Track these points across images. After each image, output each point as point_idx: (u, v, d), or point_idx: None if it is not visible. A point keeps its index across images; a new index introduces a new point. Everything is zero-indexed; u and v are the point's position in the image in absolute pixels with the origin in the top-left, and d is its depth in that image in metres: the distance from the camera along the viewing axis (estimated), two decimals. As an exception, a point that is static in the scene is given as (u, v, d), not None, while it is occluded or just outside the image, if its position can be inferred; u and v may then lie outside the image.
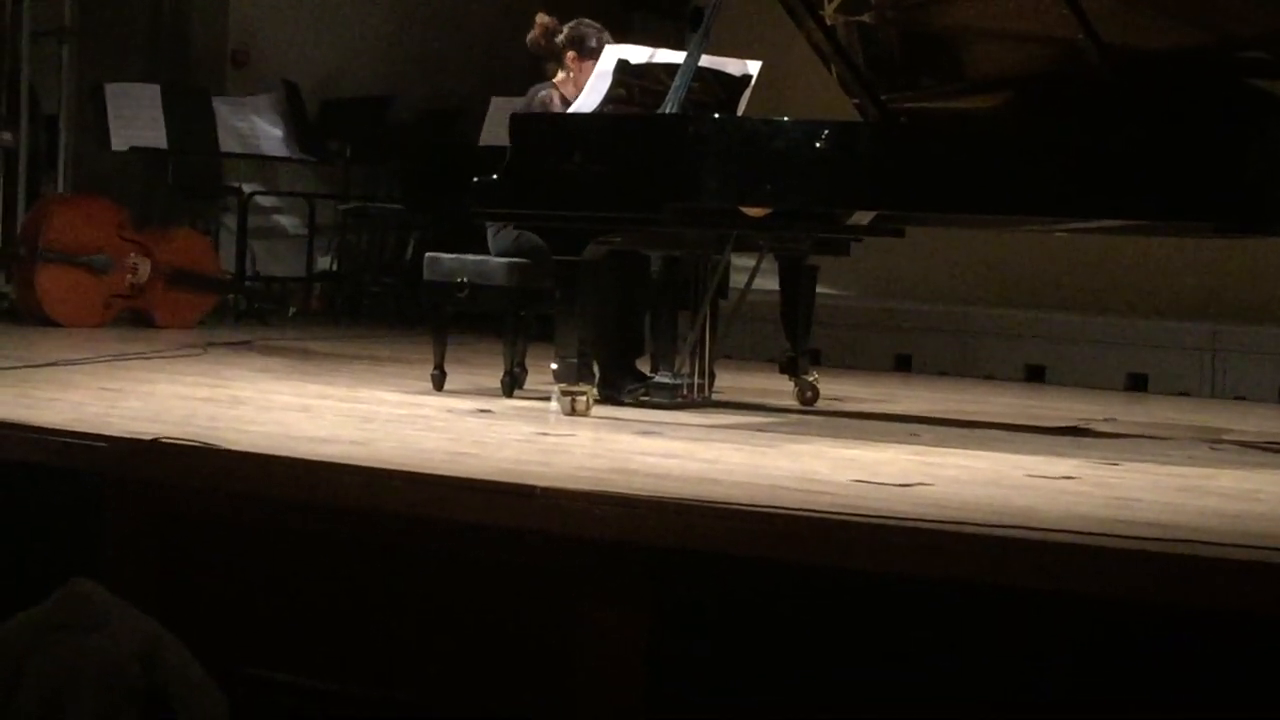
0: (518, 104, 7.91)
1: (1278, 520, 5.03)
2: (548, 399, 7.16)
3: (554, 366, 7.10)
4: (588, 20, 7.78)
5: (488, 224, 7.70)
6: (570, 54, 7.68)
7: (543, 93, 7.74)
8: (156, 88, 11.68)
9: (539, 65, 7.88)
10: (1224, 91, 6.62)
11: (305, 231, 12.63)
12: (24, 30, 11.36)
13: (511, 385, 7.57)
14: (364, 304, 12.51)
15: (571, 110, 7.34)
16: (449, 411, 7.02)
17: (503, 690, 4.99)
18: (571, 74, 7.68)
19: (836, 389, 8.17)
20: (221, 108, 11.98)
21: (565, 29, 7.71)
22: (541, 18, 7.79)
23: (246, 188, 12.37)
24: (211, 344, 9.56)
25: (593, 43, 7.62)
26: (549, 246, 7.09)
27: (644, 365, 7.61)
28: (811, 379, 7.80)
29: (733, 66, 7.44)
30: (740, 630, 4.71)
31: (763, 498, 4.88)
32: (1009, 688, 4.42)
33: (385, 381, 8.10)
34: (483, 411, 7.06)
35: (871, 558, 4.51)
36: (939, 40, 7.32)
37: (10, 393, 6.82)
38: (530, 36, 7.79)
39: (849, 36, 7.28)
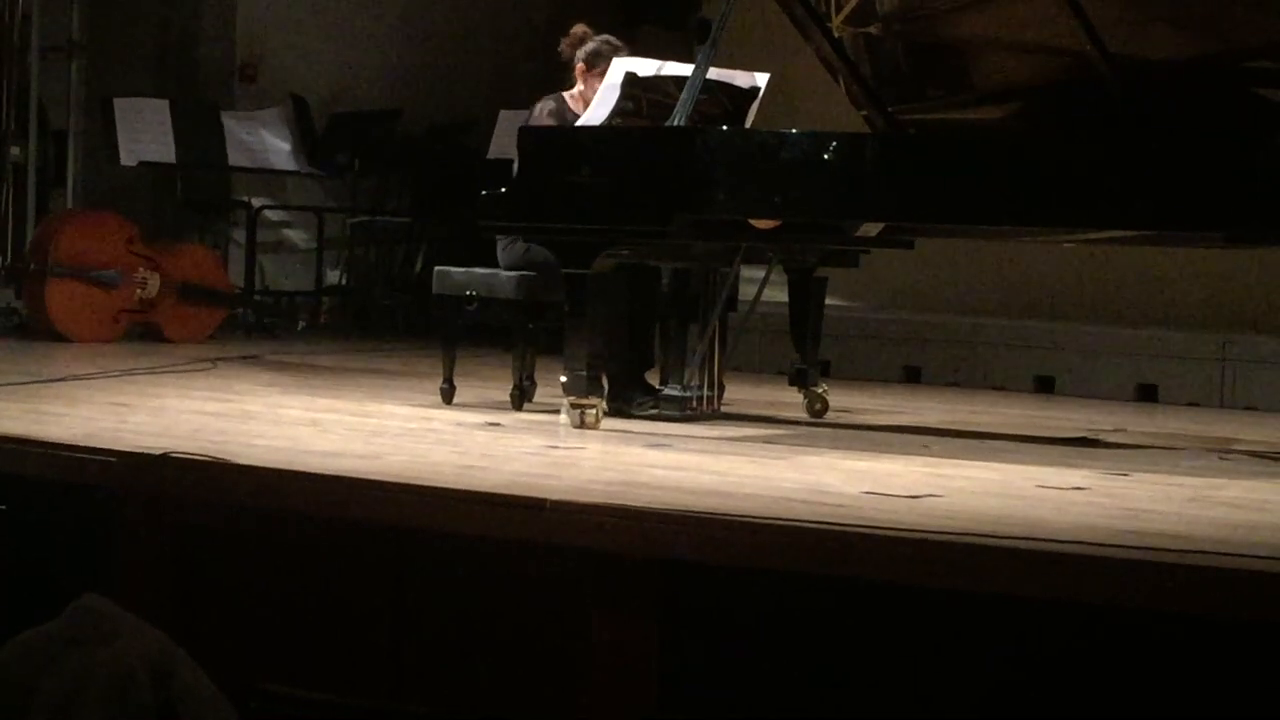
0: (525, 116, 7.92)
1: (1288, 530, 5.02)
2: (557, 412, 7.16)
3: (563, 379, 7.10)
4: (612, 38, 7.78)
5: (497, 238, 7.71)
6: (580, 66, 7.69)
7: (538, 106, 7.73)
8: (165, 103, 11.71)
9: (549, 78, 7.88)
10: (1232, 101, 6.62)
11: (314, 245, 12.65)
12: (33, 45, 11.39)
13: (521, 398, 7.58)
14: (373, 317, 12.52)
15: (580, 123, 7.34)
16: (458, 425, 7.03)
17: (513, 703, 4.98)
18: (581, 87, 7.70)
19: (846, 400, 8.17)
20: (230, 122, 12.00)
21: (590, 41, 7.72)
22: (577, 28, 7.81)
23: (255, 202, 12.39)
24: (221, 358, 9.57)
25: (602, 60, 7.63)
26: (558, 259, 7.10)
27: (653, 378, 7.61)
28: (821, 390, 7.81)
29: (740, 79, 7.44)
30: (750, 643, 4.71)
31: (772, 510, 4.87)
32: (1020, 699, 4.41)
33: (394, 395, 8.10)
34: (492, 425, 7.07)
35: (881, 569, 4.50)
36: (946, 52, 7.33)
37: (20, 408, 6.82)
38: (562, 45, 7.80)
39: (856, 48, 7.29)
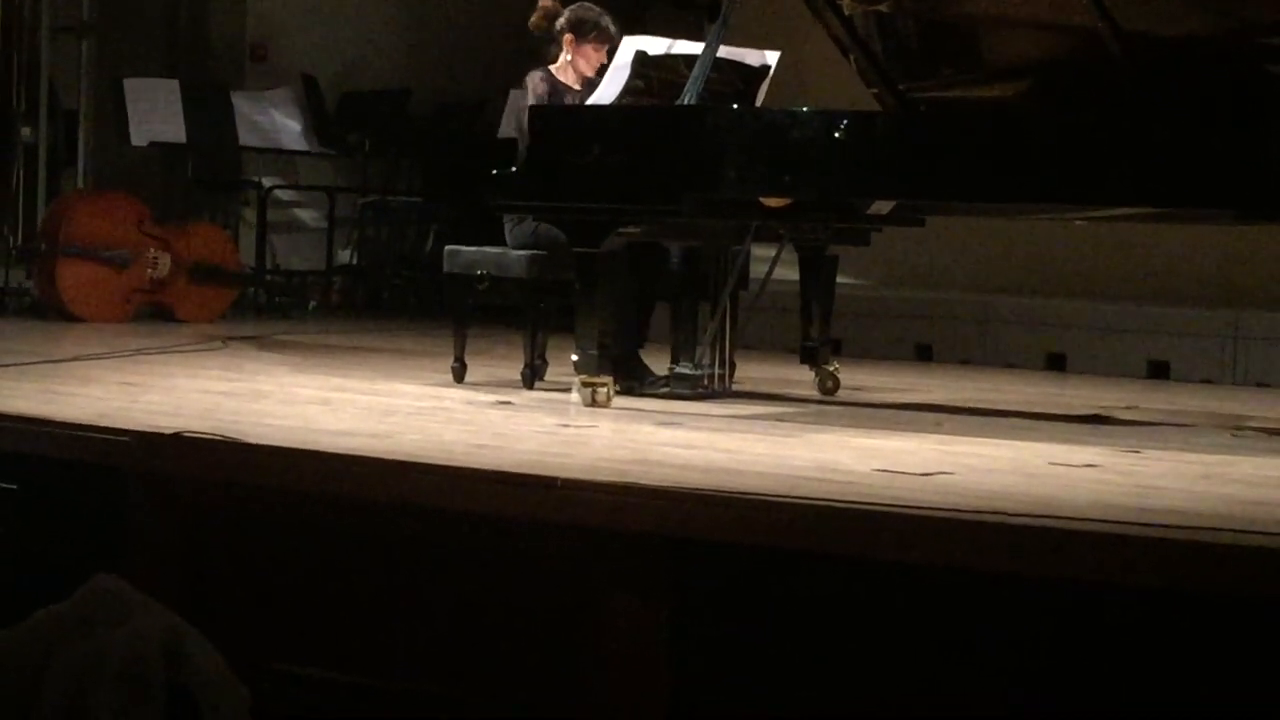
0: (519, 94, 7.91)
1: (1300, 507, 5.02)
2: (568, 390, 7.16)
3: (574, 358, 7.10)
4: (588, 4, 7.77)
5: (505, 218, 7.70)
6: (568, 37, 7.67)
7: (527, 80, 7.70)
8: (175, 83, 11.71)
9: (558, 57, 7.88)
10: (1243, 78, 6.61)
11: (325, 225, 12.65)
12: (43, 26, 11.39)
13: (532, 377, 7.58)
14: (384, 297, 12.53)
15: (590, 102, 7.33)
16: (470, 404, 7.03)
17: (526, 681, 4.99)
18: (570, 57, 7.68)
19: (857, 378, 8.16)
20: (240, 102, 12.00)
21: (565, 12, 7.71)
22: (544, 1, 7.80)
23: (266, 181, 12.39)
24: (232, 338, 9.58)
25: (590, 27, 7.63)
26: (568, 239, 7.09)
27: (663, 357, 7.60)
28: (832, 368, 7.80)
29: (751, 57, 7.43)
30: (762, 620, 4.71)
31: (784, 488, 4.87)
32: (1031, 676, 4.41)
33: (406, 374, 8.11)
34: (503, 403, 7.07)
35: (893, 547, 4.51)
36: (957, 29, 7.31)
37: (33, 388, 6.84)
38: (532, 20, 7.80)
39: (867, 26, 7.28)
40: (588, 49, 7.59)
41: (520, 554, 5.01)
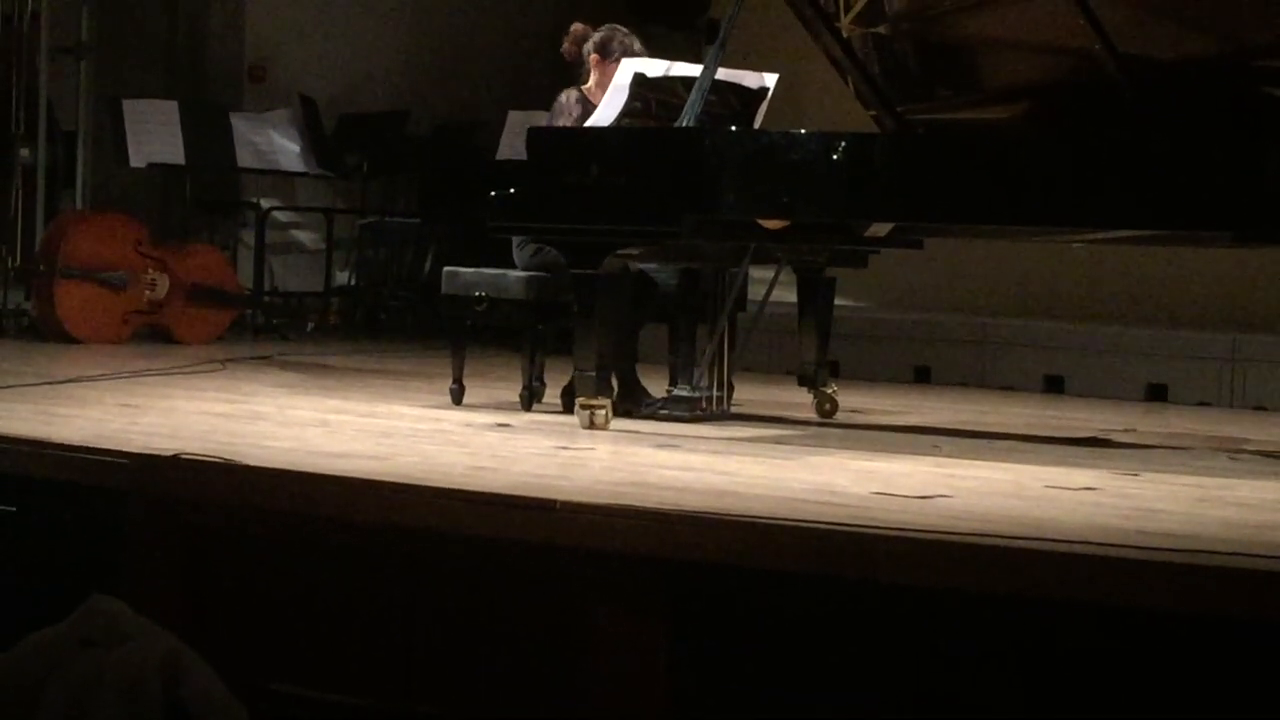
0: (536, 117, 7.92)
1: (1298, 530, 5.02)
2: (564, 412, 7.14)
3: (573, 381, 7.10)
4: (618, 26, 7.78)
5: (514, 239, 7.69)
6: (595, 57, 7.67)
7: (561, 97, 7.72)
8: (174, 104, 11.71)
9: (557, 79, 7.88)
10: (1241, 100, 6.62)
11: (323, 246, 12.65)
12: (42, 47, 11.39)
13: (530, 399, 7.57)
14: (382, 318, 12.52)
15: (589, 123, 7.34)
16: (468, 426, 7.03)
17: (523, 703, 4.98)
18: (596, 76, 7.69)
19: (855, 401, 8.16)
20: (239, 123, 12.00)
21: (595, 34, 7.72)
22: (576, 26, 7.81)
23: (264, 203, 12.39)
24: (230, 359, 9.58)
25: (615, 46, 7.63)
26: (566, 260, 7.10)
27: (645, 380, 7.60)
28: (830, 391, 7.80)
29: (749, 79, 7.44)
30: (760, 643, 4.71)
31: (782, 510, 4.87)
32: (1029, 698, 4.41)
33: (404, 396, 8.11)
34: (501, 425, 7.07)
35: (891, 570, 4.50)
36: (955, 51, 7.32)
37: (31, 409, 6.83)
38: (564, 47, 7.81)
39: (865, 48, 7.29)
40: (612, 67, 7.57)
41: (518, 576, 5.01)
